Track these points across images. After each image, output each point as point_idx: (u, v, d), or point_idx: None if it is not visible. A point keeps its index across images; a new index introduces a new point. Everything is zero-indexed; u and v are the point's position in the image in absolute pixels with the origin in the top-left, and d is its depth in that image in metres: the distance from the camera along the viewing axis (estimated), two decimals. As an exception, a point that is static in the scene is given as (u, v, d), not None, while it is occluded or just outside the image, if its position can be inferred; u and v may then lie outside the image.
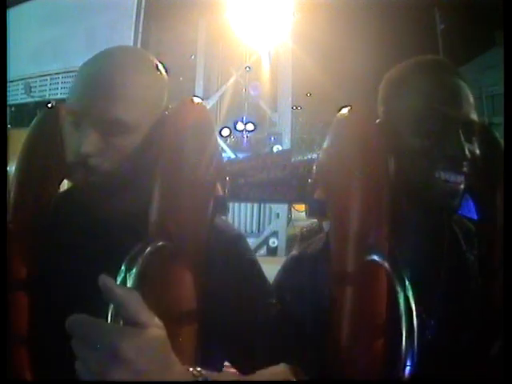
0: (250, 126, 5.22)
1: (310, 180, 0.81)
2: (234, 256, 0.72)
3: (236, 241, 0.74)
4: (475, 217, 0.82)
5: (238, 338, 0.64)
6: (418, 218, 0.74)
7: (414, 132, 0.70)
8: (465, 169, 0.67)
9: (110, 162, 0.63)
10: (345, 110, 0.71)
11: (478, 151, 0.70)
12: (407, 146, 0.71)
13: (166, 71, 0.68)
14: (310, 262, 0.75)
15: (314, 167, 0.78)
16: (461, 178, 0.67)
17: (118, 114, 0.60)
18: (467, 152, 0.67)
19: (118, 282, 0.44)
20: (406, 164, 0.71)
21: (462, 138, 0.67)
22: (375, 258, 0.56)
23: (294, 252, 0.79)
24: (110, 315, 0.42)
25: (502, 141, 0.77)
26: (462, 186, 0.68)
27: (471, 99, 0.70)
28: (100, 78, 0.62)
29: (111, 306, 0.41)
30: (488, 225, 0.77)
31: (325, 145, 0.75)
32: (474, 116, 0.70)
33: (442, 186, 0.68)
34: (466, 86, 0.70)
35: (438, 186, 0.68)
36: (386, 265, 0.54)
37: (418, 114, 0.70)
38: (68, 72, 4.59)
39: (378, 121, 0.76)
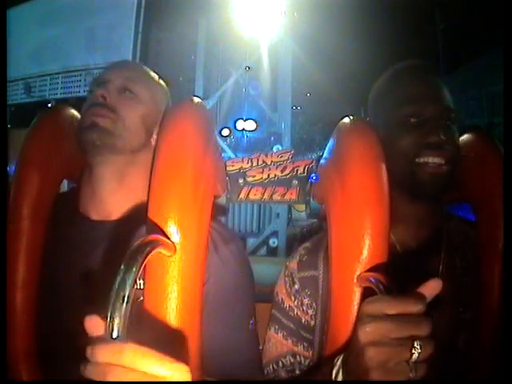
0: (250, 124, 5.21)
1: (310, 180, 0.82)
2: (227, 259, 0.72)
3: (231, 245, 0.75)
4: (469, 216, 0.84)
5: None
6: (407, 208, 0.78)
7: (400, 125, 0.77)
8: (444, 151, 0.74)
9: (113, 123, 0.75)
10: (346, 119, 0.74)
11: (454, 135, 0.77)
12: (394, 138, 0.77)
13: (167, 85, 0.90)
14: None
15: (316, 170, 0.80)
16: (441, 160, 0.74)
17: (128, 82, 0.80)
18: (444, 136, 0.74)
19: (117, 282, 0.43)
20: (394, 155, 0.75)
21: (441, 125, 0.75)
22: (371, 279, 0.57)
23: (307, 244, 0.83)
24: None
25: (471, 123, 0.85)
26: (444, 168, 0.74)
27: (446, 92, 0.80)
28: (121, 63, 0.87)
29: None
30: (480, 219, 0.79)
31: (325, 154, 0.76)
32: (450, 104, 0.78)
33: (425, 168, 0.74)
34: (440, 81, 0.81)
35: (421, 169, 0.74)
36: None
37: (401, 108, 0.77)
38: (68, 72, 4.57)
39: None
